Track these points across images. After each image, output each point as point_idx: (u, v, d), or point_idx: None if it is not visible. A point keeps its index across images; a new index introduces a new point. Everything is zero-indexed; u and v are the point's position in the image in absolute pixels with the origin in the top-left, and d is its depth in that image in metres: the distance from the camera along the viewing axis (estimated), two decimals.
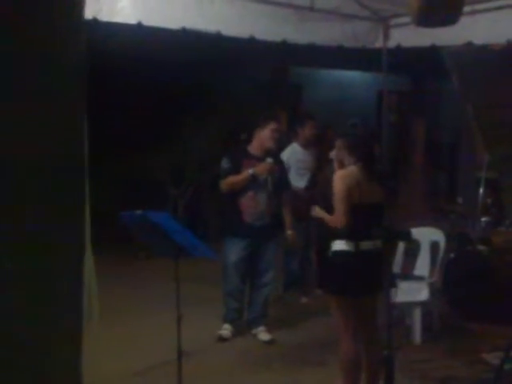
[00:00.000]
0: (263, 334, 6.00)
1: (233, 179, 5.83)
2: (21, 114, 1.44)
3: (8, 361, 1.38)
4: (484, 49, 5.28)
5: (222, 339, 5.94)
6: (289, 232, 6.15)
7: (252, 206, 5.85)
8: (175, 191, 10.72)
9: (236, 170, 5.87)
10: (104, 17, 4.59)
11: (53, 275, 1.45)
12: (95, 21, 4.45)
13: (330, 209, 4.24)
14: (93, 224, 4.96)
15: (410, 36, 6.12)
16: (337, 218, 4.16)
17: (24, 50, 1.45)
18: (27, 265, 1.41)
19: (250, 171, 5.79)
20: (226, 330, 6.01)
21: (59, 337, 1.46)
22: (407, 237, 4.48)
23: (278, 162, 6.12)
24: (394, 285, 4.37)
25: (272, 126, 5.87)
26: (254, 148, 5.95)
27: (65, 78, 1.55)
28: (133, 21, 4.84)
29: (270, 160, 5.83)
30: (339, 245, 4.20)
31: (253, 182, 5.82)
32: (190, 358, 4.57)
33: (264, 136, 5.88)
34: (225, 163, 5.91)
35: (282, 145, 7.16)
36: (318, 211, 4.43)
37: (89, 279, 3.60)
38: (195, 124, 10.79)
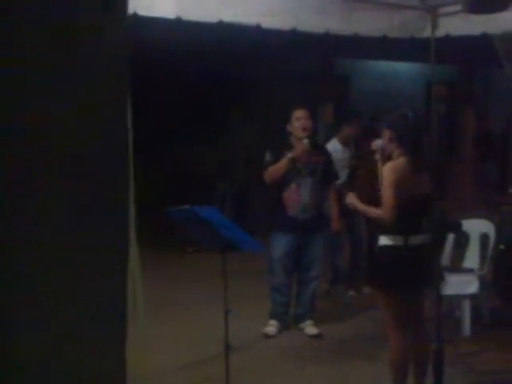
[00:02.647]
0: (311, 329, 5.98)
1: (273, 167, 5.82)
2: (63, 104, 1.46)
3: (52, 354, 1.41)
4: None
5: (267, 336, 5.91)
6: (334, 223, 6.15)
7: (295, 198, 5.84)
8: (223, 185, 10.76)
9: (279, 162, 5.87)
10: (143, 11, 4.60)
11: (94, 268, 1.47)
12: (135, 15, 4.46)
13: (376, 201, 4.18)
14: (143, 217, 4.99)
15: (459, 25, 6.00)
16: (384, 212, 4.10)
17: (67, 44, 1.46)
18: (68, 259, 1.43)
19: (289, 155, 5.77)
20: (272, 326, 5.99)
21: (102, 332, 1.48)
22: (458, 228, 4.39)
23: (325, 153, 6.12)
24: (441, 278, 4.31)
25: (296, 114, 5.86)
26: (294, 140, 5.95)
27: (108, 68, 1.57)
28: (172, 15, 4.85)
29: (306, 141, 5.79)
30: (387, 239, 4.15)
31: (295, 172, 5.81)
32: (237, 352, 4.59)
33: (292, 127, 5.87)
34: (268, 156, 5.92)
35: (327, 135, 7.13)
36: (354, 200, 4.35)
37: (133, 275, 3.63)
38: (242, 117, 10.80)
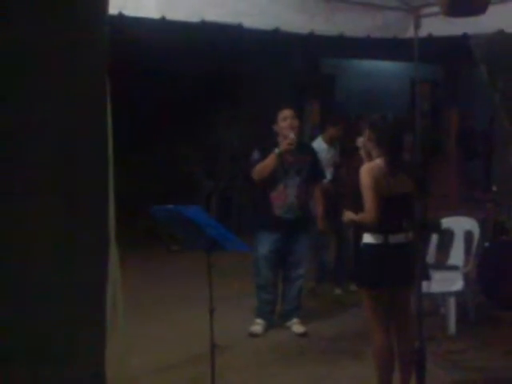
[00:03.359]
0: (297, 327, 6.00)
1: (261, 164, 5.79)
2: (44, 104, 1.47)
3: (34, 353, 1.42)
4: None
5: (253, 335, 5.91)
6: (319, 221, 6.18)
7: (281, 199, 5.85)
8: (209, 183, 10.78)
9: None
10: (129, 12, 4.62)
11: (76, 269, 1.48)
12: (120, 15, 4.48)
13: (360, 200, 4.21)
14: (127, 216, 4.98)
15: (441, 25, 6.05)
16: (367, 214, 4.13)
17: (47, 44, 1.47)
18: (51, 258, 1.44)
19: (276, 150, 5.76)
20: (258, 325, 5.99)
21: (81, 331, 1.49)
22: (437, 227, 4.42)
23: (311, 152, 6.15)
24: (427, 277, 4.35)
25: (282, 114, 5.87)
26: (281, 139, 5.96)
27: (87, 69, 1.58)
28: (157, 15, 4.87)
29: (292, 135, 5.78)
30: (368, 238, 4.19)
31: (283, 172, 5.82)
32: (223, 351, 4.60)
33: (279, 127, 5.88)
34: (255, 155, 5.92)
35: (313, 135, 7.16)
36: (349, 215, 4.37)
37: (113, 275, 3.63)
38: (227, 116, 10.82)
